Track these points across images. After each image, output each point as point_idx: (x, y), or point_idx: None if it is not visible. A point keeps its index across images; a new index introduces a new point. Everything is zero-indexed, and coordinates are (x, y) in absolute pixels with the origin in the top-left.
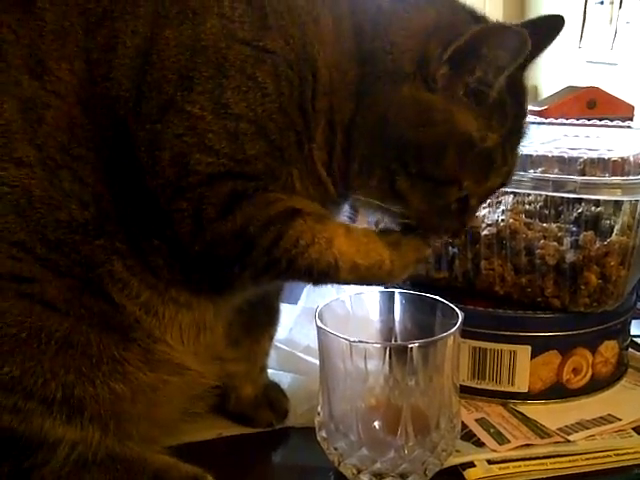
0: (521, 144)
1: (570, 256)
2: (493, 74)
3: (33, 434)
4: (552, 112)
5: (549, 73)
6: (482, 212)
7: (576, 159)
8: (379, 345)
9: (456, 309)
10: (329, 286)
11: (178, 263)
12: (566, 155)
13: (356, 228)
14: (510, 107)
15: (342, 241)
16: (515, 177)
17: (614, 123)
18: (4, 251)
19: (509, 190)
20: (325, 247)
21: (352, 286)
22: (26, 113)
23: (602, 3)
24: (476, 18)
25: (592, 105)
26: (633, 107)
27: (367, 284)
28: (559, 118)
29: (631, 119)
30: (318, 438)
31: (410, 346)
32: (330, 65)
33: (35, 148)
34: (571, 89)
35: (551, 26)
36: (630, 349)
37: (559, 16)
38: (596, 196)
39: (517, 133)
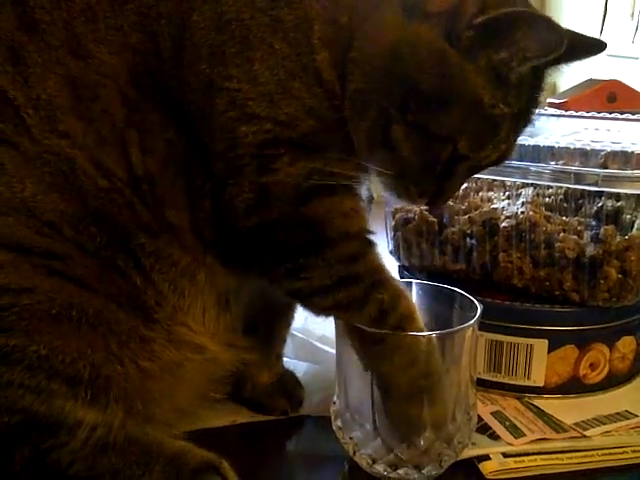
0: (523, 133)
1: (590, 250)
2: (517, 61)
3: (53, 416)
4: (572, 105)
5: (570, 67)
6: (501, 204)
7: (598, 152)
8: (394, 334)
9: (475, 301)
10: None
11: (223, 233)
12: (588, 147)
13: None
14: (527, 90)
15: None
16: (536, 169)
17: (635, 117)
18: (37, 228)
19: (530, 182)
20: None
21: None
22: (75, 90)
23: None
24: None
25: (612, 99)
26: None
27: None
28: (579, 111)
29: None
30: (333, 427)
31: (429, 337)
32: (326, 21)
33: (85, 121)
34: (591, 82)
35: (591, 46)
36: None
37: (603, 42)
38: (618, 189)
39: (525, 118)
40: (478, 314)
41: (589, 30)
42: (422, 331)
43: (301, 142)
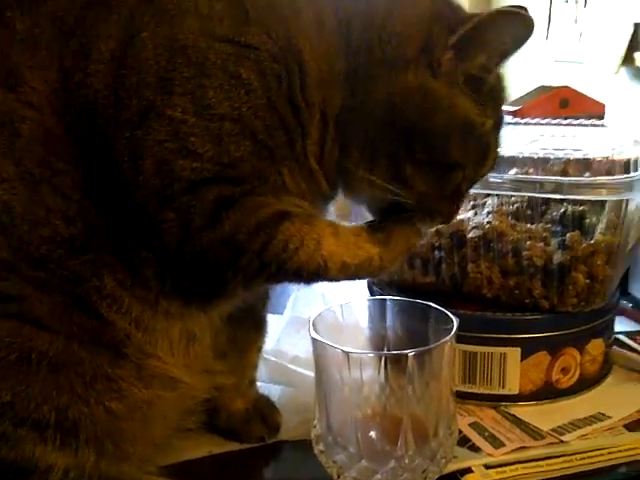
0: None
1: (557, 256)
2: (496, 61)
3: (24, 461)
4: (526, 112)
5: (518, 72)
6: (467, 215)
7: (558, 159)
8: (376, 355)
9: (450, 314)
10: (314, 294)
11: (168, 273)
12: (551, 156)
13: (345, 227)
14: (498, 97)
15: (331, 242)
16: (500, 179)
17: (589, 122)
18: None
19: (493, 192)
20: (314, 249)
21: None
22: (3, 127)
23: (567, 2)
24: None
25: (565, 104)
26: (604, 105)
27: (358, 279)
28: (534, 118)
29: (602, 117)
30: (315, 451)
31: (409, 354)
32: (317, 57)
33: (13, 163)
34: (543, 89)
35: None
36: (614, 346)
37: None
38: (581, 196)
39: (501, 121)
40: (455, 328)
41: (534, 36)
42: None
43: (238, 179)
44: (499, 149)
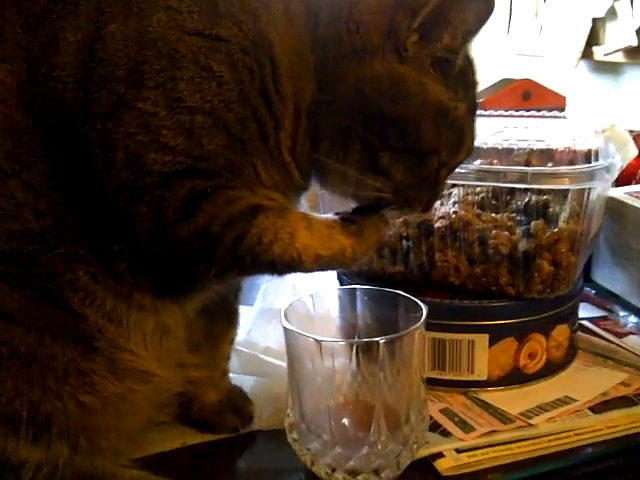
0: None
1: (522, 245)
2: (460, 40)
3: None
4: (489, 104)
5: (480, 65)
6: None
7: (522, 150)
8: (348, 343)
9: (419, 302)
10: (285, 285)
11: (140, 266)
12: (515, 146)
13: (318, 219)
14: (469, 77)
15: (304, 234)
16: (465, 169)
17: (551, 114)
18: None
19: (458, 182)
20: (288, 242)
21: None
22: None
23: None
24: None
25: (527, 96)
26: (564, 98)
27: (331, 270)
28: (497, 110)
29: (563, 109)
30: (289, 440)
31: (380, 342)
32: (288, 50)
33: None
34: (506, 81)
35: None
36: (579, 332)
37: None
38: (545, 186)
39: (475, 105)
40: (424, 315)
41: (496, 30)
42: None
43: (211, 173)
44: (475, 134)
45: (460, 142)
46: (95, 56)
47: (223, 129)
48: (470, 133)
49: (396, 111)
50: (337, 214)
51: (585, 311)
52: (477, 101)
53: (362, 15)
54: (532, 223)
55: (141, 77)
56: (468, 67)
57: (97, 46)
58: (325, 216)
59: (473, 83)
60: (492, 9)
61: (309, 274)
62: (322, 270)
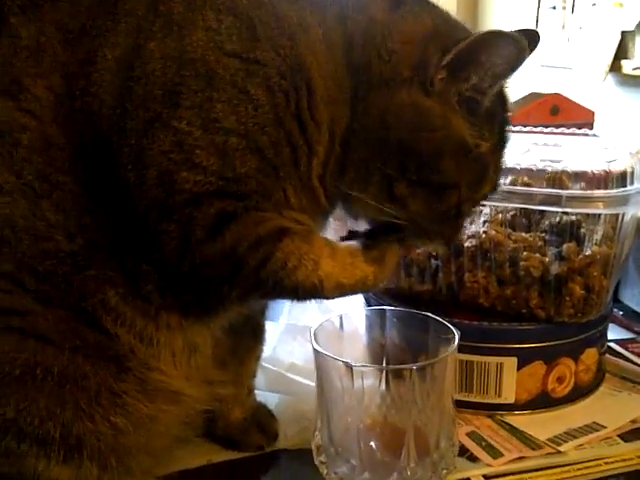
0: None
1: (554, 267)
2: (489, 82)
3: (26, 476)
4: (517, 118)
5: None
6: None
7: (555, 171)
8: (380, 368)
9: (450, 326)
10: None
11: (168, 286)
12: (548, 167)
13: (341, 247)
14: (499, 116)
15: (327, 262)
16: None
17: (582, 131)
18: None
19: (491, 203)
20: (311, 269)
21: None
22: (3, 137)
23: (554, 8)
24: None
25: (555, 111)
26: (593, 113)
27: (350, 295)
28: (526, 125)
29: (592, 125)
30: (316, 462)
31: (412, 369)
32: (325, 75)
33: (14, 174)
34: (534, 95)
35: (530, 40)
36: (606, 354)
37: (535, 32)
38: (580, 210)
39: (504, 142)
40: (457, 340)
41: None
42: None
43: (242, 195)
44: (500, 170)
45: (482, 180)
46: (133, 75)
47: (256, 152)
48: (495, 171)
49: (417, 142)
50: (351, 232)
51: (613, 333)
52: (507, 137)
53: (395, 44)
54: (564, 246)
55: (178, 96)
56: (498, 106)
57: (135, 64)
58: (347, 243)
59: (502, 122)
60: (524, 57)
61: (330, 300)
62: (343, 297)
